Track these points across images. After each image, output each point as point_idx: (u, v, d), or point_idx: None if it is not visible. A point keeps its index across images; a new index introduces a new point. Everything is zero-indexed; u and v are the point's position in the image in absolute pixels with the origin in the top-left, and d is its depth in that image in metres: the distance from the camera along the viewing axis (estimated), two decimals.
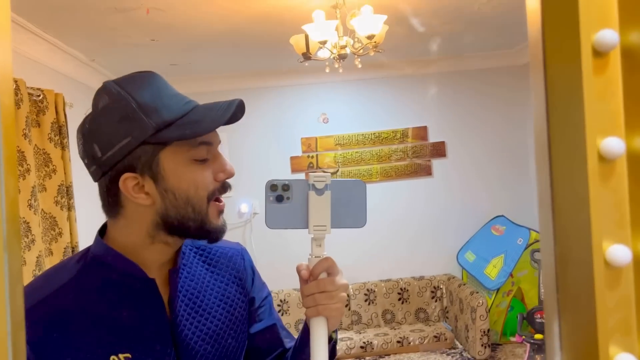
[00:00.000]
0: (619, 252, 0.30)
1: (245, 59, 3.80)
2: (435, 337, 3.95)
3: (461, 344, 3.97)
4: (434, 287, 4.34)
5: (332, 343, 0.80)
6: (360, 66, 2.66)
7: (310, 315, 0.74)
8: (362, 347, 3.89)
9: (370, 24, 2.32)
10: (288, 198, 0.75)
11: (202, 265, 0.86)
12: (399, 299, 4.31)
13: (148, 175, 0.72)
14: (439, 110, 4.45)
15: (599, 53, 0.33)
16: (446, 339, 3.95)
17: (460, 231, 4.38)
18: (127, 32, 2.99)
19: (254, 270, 0.94)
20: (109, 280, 0.75)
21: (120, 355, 0.71)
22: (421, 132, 4.47)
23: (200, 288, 0.83)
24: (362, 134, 4.44)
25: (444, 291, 4.31)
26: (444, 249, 4.42)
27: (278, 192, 0.74)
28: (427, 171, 4.47)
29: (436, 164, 4.47)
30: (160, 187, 0.73)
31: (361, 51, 2.54)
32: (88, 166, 0.75)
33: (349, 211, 0.76)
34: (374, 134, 4.45)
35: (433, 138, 4.47)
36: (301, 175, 4.37)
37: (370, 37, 2.36)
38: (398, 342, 3.92)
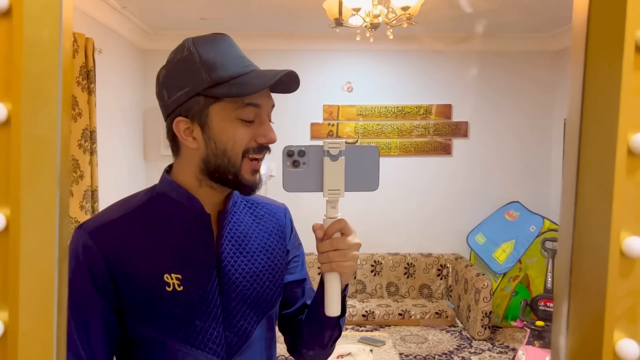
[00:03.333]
0: (635, 244, 0.31)
1: (273, 19, 3.77)
2: (436, 313, 4.01)
3: (462, 323, 4.04)
4: (441, 266, 4.38)
5: (343, 295, 0.85)
6: (392, 37, 2.62)
7: (324, 270, 0.81)
8: (363, 316, 3.97)
9: None
10: (304, 163, 0.79)
11: (250, 216, 0.94)
12: (405, 274, 4.36)
13: (197, 123, 0.82)
14: (466, 89, 4.39)
15: None
16: (447, 317, 4.01)
17: (473, 213, 4.38)
18: None
19: (292, 228, 1.02)
20: (171, 211, 0.85)
21: (173, 275, 0.81)
22: (445, 110, 4.43)
23: (245, 233, 0.91)
24: (385, 107, 4.41)
25: (450, 270, 4.35)
26: (455, 229, 4.43)
27: (294, 158, 0.78)
28: (446, 150, 4.44)
29: (457, 143, 4.44)
30: (205, 135, 0.82)
31: (394, 22, 2.50)
32: (160, 107, 0.87)
33: (362, 176, 0.79)
34: (397, 107, 4.42)
35: (457, 117, 4.42)
36: (320, 142, 4.39)
37: (405, 9, 2.32)
38: (400, 314, 3.99)
